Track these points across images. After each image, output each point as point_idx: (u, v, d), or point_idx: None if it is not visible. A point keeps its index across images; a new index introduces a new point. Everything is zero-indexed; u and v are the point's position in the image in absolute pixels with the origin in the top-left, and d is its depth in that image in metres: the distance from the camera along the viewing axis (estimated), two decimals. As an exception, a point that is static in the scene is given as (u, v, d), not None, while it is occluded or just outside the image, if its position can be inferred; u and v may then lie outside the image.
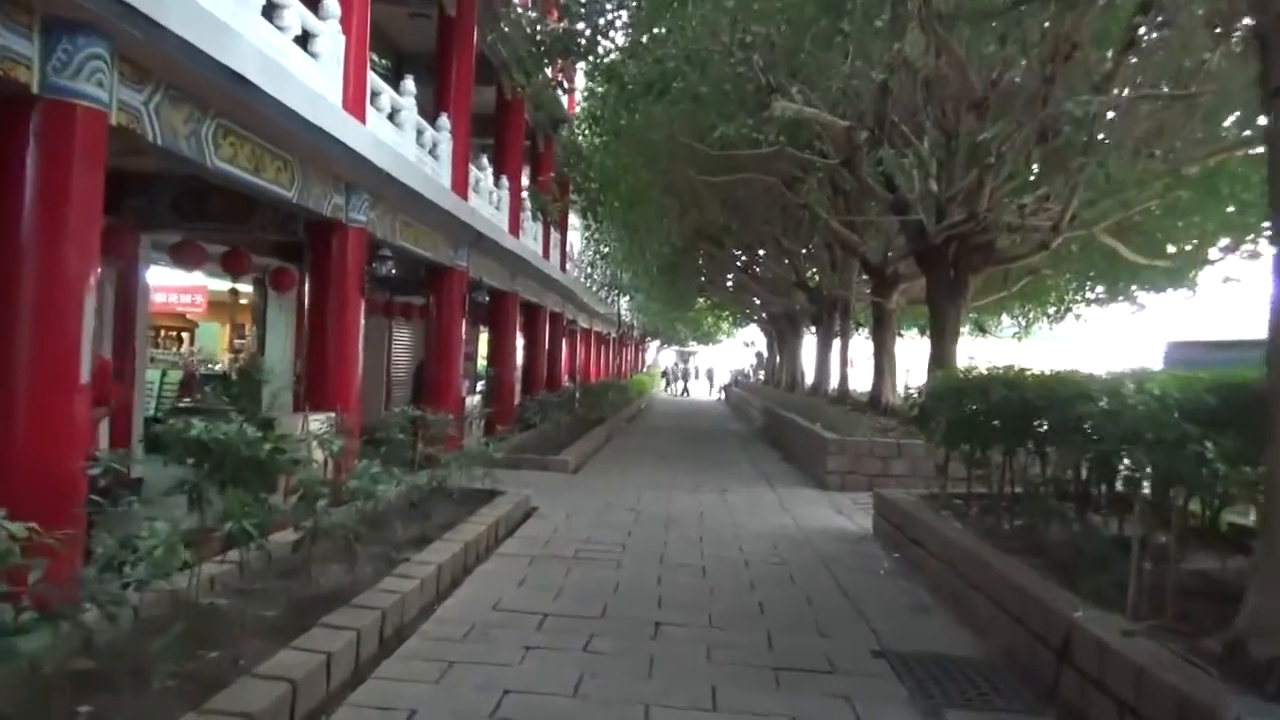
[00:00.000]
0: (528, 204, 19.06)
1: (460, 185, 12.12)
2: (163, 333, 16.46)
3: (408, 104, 10.00)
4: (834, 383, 23.92)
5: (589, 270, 27.90)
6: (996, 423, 6.57)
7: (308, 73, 7.13)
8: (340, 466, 7.37)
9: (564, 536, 7.67)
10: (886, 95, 11.51)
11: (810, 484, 12.15)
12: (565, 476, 11.59)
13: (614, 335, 35.72)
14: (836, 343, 23.93)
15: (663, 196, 19.88)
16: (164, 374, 11.23)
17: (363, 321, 8.66)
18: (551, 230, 21.20)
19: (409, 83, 10.24)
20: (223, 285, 13.44)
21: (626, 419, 23.59)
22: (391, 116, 9.58)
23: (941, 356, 13.31)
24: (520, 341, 23.25)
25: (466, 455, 7.99)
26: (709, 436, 20.46)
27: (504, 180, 15.80)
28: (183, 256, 9.15)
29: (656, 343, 69.37)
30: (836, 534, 8.56)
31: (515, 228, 16.31)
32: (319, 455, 6.61)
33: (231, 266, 9.03)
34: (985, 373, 7.15)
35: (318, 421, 7.68)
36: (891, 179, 13.43)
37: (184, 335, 18.10)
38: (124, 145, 5.24)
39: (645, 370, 55.90)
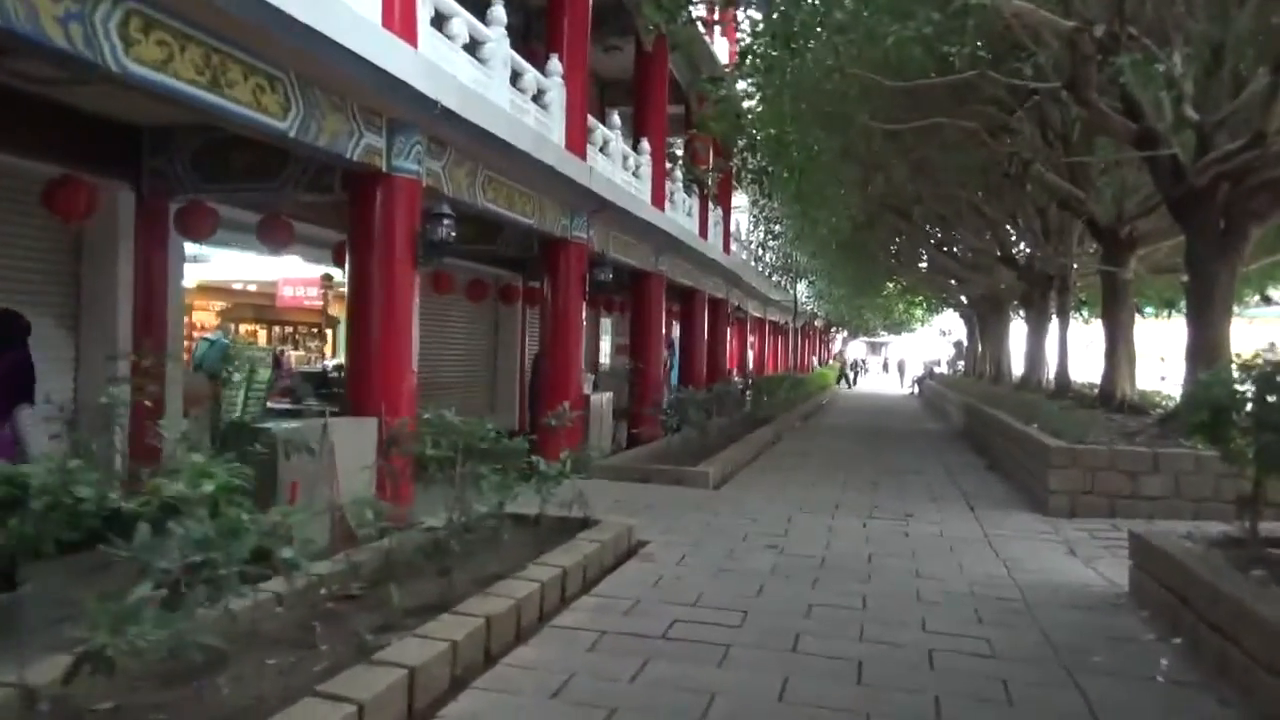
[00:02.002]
0: (679, 176, 16.93)
1: (577, 142, 10.12)
2: (296, 329, 15.68)
3: (491, 31, 8.07)
4: (1049, 373, 20.27)
5: (759, 252, 25.43)
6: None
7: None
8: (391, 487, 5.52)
9: (663, 595, 5.41)
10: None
11: (1026, 506, 9.25)
12: (703, 494, 9.30)
13: (792, 325, 32.96)
14: (1050, 327, 20.28)
15: (839, 162, 17.18)
16: (252, 371, 9.92)
17: (417, 301, 6.76)
18: (710, 206, 18.94)
19: None
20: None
21: (801, 417, 20.96)
22: (468, 47, 7.67)
23: (1208, 337, 9.99)
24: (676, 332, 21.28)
25: (549, 471, 5.89)
26: (896, 439, 17.50)
27: (645, 145, 13.72)
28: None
29: (843, 333, 65.50)
30: (1072, 595, 5.80)
31: (660, 198, 14.19)
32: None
33: (269, 238, 7.41)
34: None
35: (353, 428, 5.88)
36: (1133, 103, 10.20)
37: (325, 331, 17.24)
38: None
39: (830, 363, 52.44)
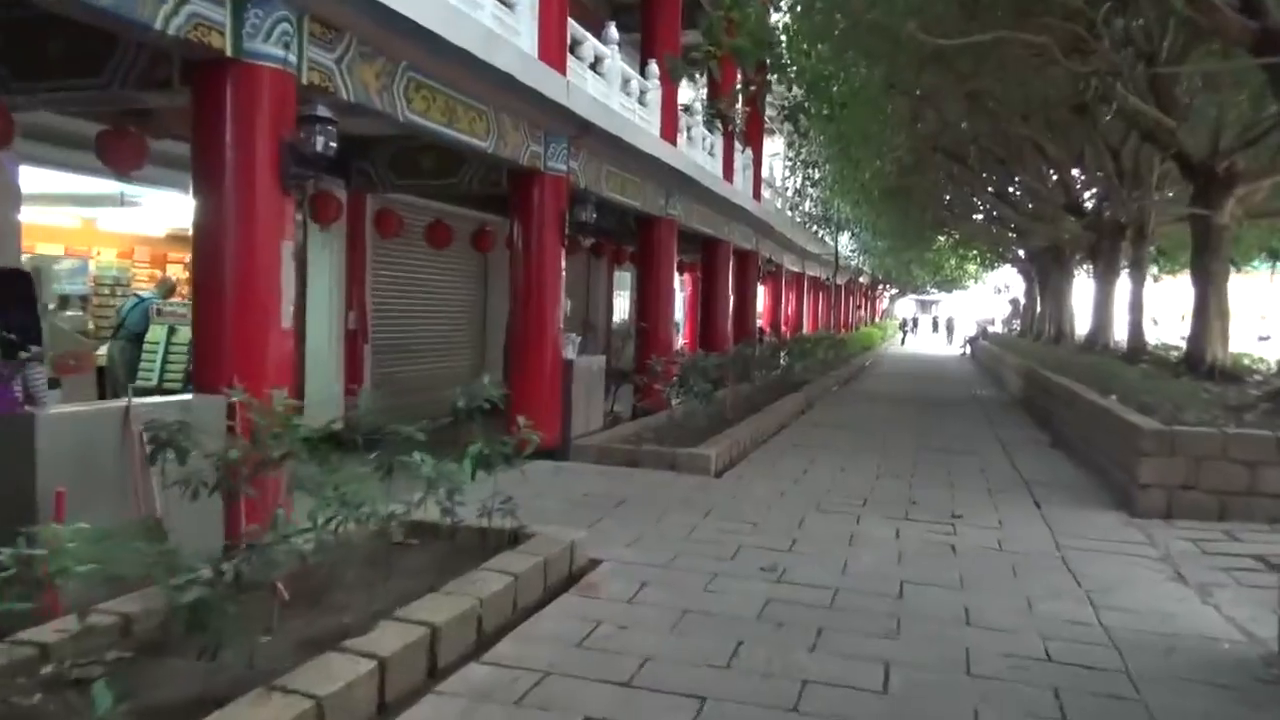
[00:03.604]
0: (699, 109, 14.95)
1: (554, 51, 8.27)
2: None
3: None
4: (1117, 334, 18.05)
5: (796, 200, 23.30)
6: None
7: None
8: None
9: (587, 665, 3.67)
10: None
11: (1106, 501, 7.35)
12: (699, 483, 7.54)
13: (834, 281, 30.78)
14: (1122, 282, 18.02)
15: (883, 96, 15.10)
16: (171, 331, 8.36)
17: (292, 234, 5.02)
18: (738, 147, 16.93)
19: None
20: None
21: (839, 382, 19.03)
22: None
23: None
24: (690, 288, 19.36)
25: (436, 472, 4.17)
26: (944, 407, 15.51)
27: (654, 69, 11.78)
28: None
29: (893, 290, 62.78)
30: (1196, 658, 3.97)
31: (671, 131, 12.27)
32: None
33: (113, 156, 5.71)
34: None
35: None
36: (1254, -6, 8.05)
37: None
38: None
39: (877, 321, 50.00)
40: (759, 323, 23.28)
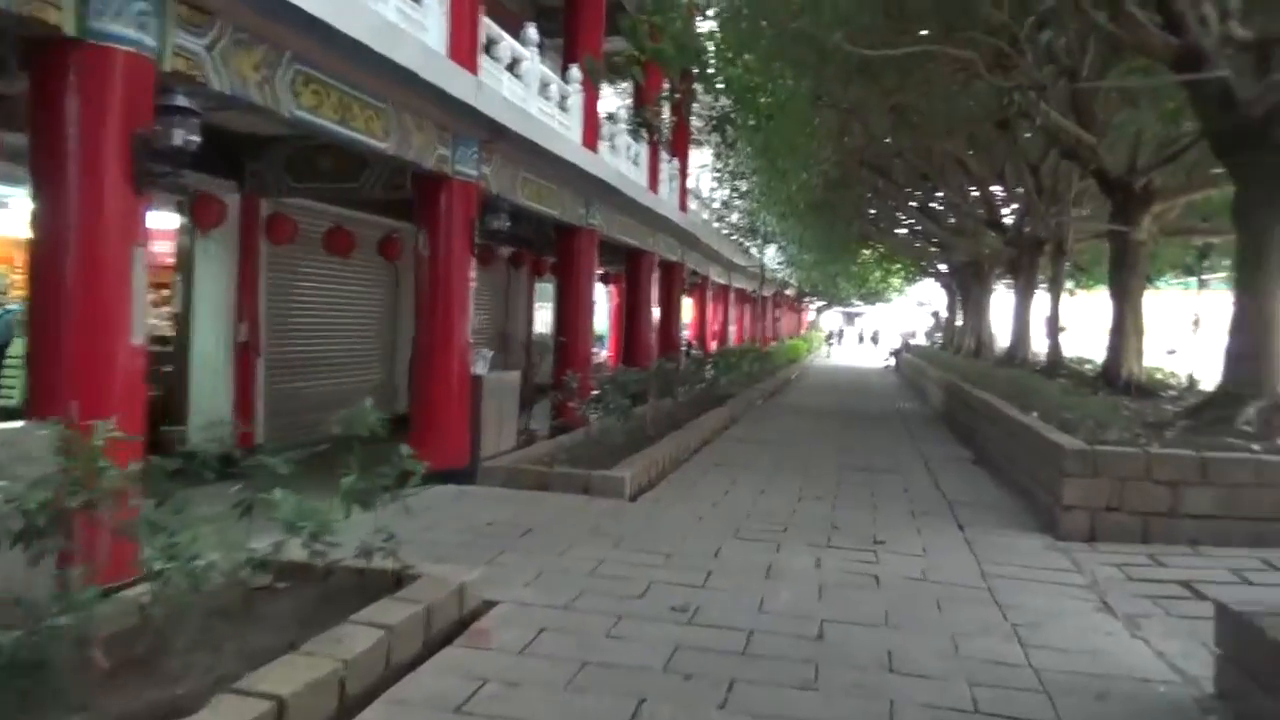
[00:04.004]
0: (623, 117, 14.62)
1: (465, 49, 7.81)
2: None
3: None
4: (1035, 348, 18.28)
5: (723, 212, 23.14)
6: None
7: None
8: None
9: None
10: None
11: (1030, 523, 7.17)
12: (613, 508, 7.12)
13: (761, 293, 30.76)
14: (1040, 297, 18.28)
15: (810, 108, 14.98)
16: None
17: (143, 240, 4.45)
18: (664, 157, 16.64)
19: None
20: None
21: (764, 395, 18.85)
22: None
23: (1257, 307, 7.94)
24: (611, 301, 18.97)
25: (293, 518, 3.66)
26: (868, 422, 15.42)
27: (575, 73, 11.39)
28: None
29: (820, 303, 63.44)
30: (1129, 702, 3.71)
31: (592, 136, 11.88)
32: None
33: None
34: None
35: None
36: (1174, 13, 8.05)
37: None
38: None
39: (803, 333, 50.40)
40: (686, 335, 23.05)
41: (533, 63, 9.91)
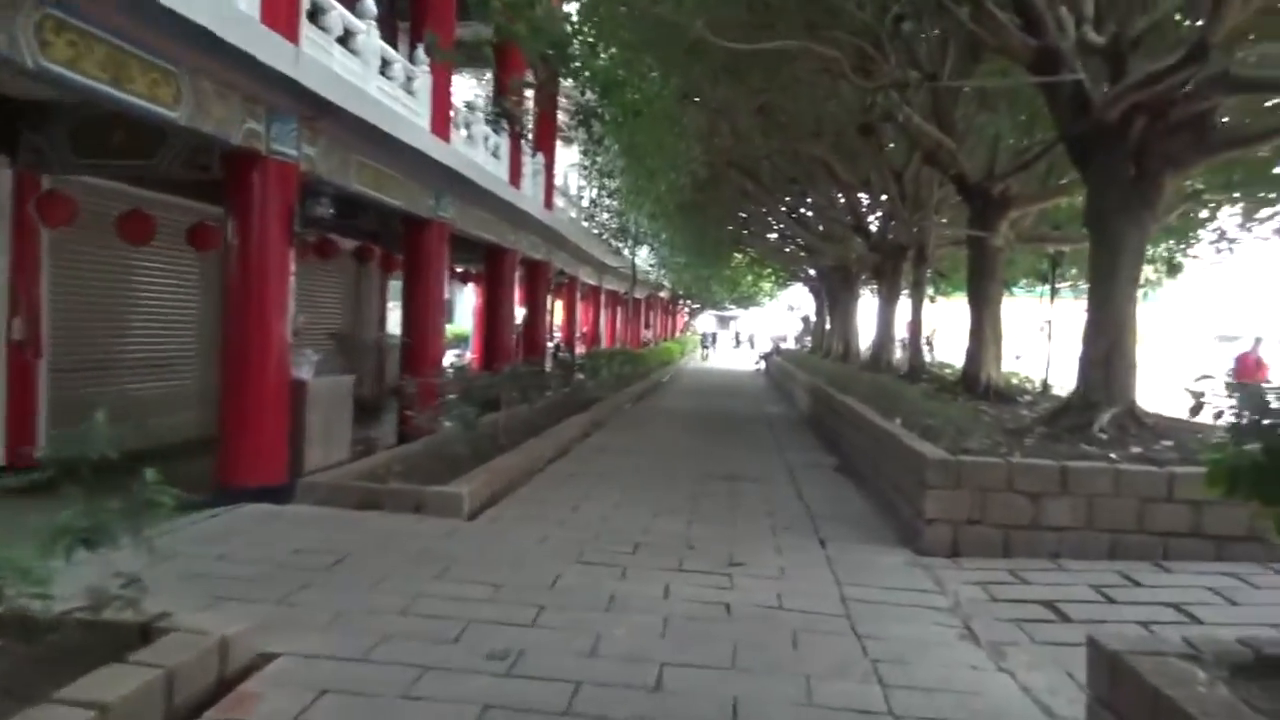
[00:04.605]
0: (482, 106, 13.85)
1: (281, 11, 6.89)
2: None
3: None
4: (899, 352, 18.52)
5: (593, 211, 22.57)
6: None
7: None
8: None
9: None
10: None
11: (892, 536, 6.84)
12: (446, 529, 6.36)
13: (633, 295, 30.36)
14: (904, 303, 18.51)
15: (678, 106, 14.57)
16: None
17: None
18: (529, 151, 15.92)
19: None
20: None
21: (633, 399, 18.37)
22: None
23: (1111, 313, 7.90)
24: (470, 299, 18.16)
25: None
26: (735, 426, 15.12)
27: (421, 55, 10.55)
28: None
29: (696, 306, 63.82)
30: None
31: (443, 124, 11.06)
32: None
33: None
34: None
35: None
36: (1033, 15, 7.95)
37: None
38: None
39: (677, 336, 50.45)
40: (557, 337, 22.36)
41: (369, 37, 9.04)
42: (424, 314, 10.88)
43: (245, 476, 6.82)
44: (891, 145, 15.27)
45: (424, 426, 8.48)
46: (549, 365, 16.68)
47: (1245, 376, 14.36)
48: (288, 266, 7.20)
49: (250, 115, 6.76)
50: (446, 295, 12.23)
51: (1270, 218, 14.20)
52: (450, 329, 25.88)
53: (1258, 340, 14.84)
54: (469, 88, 18.68)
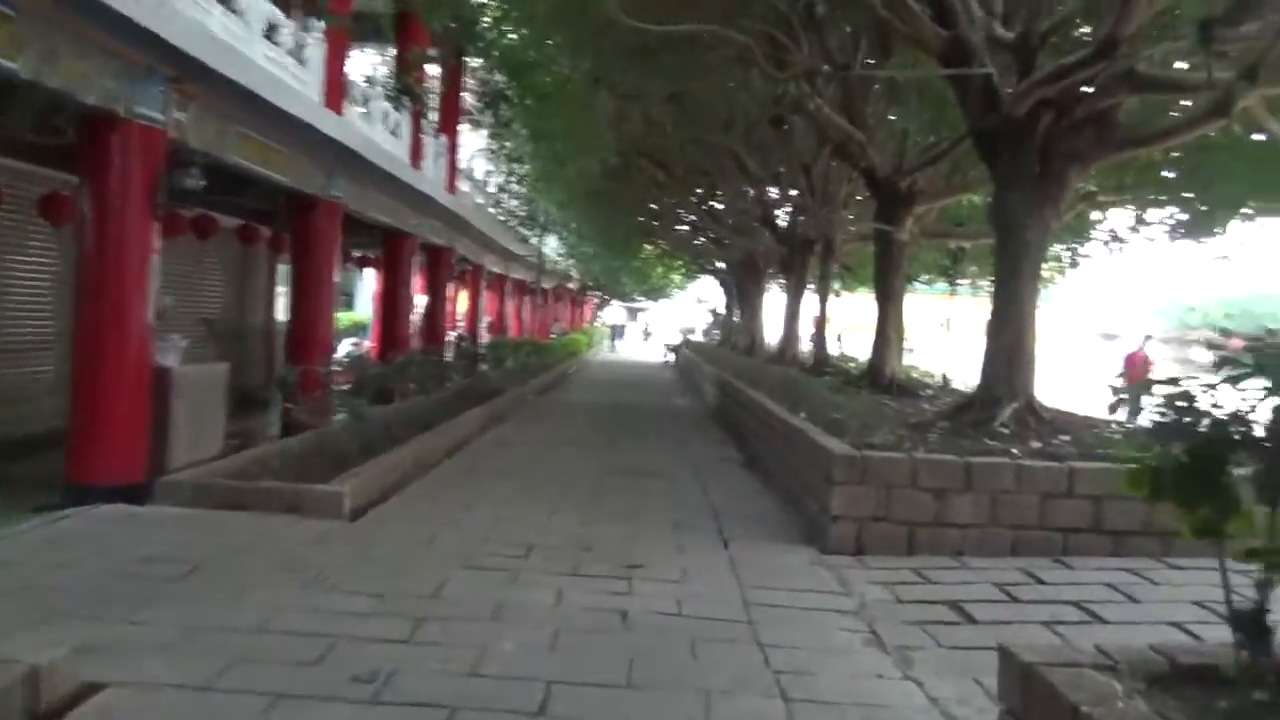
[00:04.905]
0: (381, 81, 13.20)
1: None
2: None
3: None
4: (803, 346, 18.59)
5: (498, 196, 21.98)
6: None
7: None
8: None
9: None
10: None
11: (796, 534, 6.65)
12: (323, 532, 5.87)
13: (540, 284, 29.84)
14: (809, 296, 18.60)
15: (588, 91, 14.21)
16: None
17: None
18: (430, 132, 15.29)
19: None
20: None
21: (538, 390, 17.94)
22: None
23: (1014, 308, 7.90)
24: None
25: None
26: (641, 419, 14.87)
27: (315, 22, 9.89)
28: None
29: (605, 298, 63.47)
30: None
31: (336, 97, 10.42)
32: None
33: None
34: None
35: None
36: (944, 5, 7.88)
37: None
38: None
39: (585, 327, 50.06)
40: (461, 326, 21.72)
41: (307, 37, 8.36)
42: (312, 299, 10.21)
43: (98, 474, 6.18)
44: (801, 138, 15.23)
45: (305, 420, 7.90)
46: (451, 355, 16.12)
47: (1134, 373, 14.90)
48: (150, 242, 6.54)
49: (109, 73, 6.09)
50: (340, 280, 11.56)
51: (1159, 221, 14.67)
52: (349, 316, 24.92)
53: (1146, 338, 15.36)
54: (371, 64, 17.88)
